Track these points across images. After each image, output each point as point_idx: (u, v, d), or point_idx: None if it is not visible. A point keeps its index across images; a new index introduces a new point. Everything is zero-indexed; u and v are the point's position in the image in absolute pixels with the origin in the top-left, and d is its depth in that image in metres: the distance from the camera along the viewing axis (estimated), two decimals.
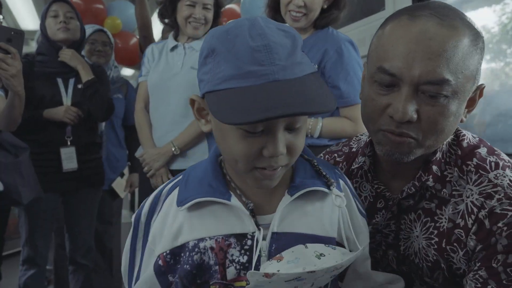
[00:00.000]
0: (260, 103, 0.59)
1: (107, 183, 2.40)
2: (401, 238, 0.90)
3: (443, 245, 0.83)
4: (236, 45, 0.63)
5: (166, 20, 1.98)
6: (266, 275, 0.62)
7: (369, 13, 2.50)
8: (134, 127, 2.13)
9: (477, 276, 0.78)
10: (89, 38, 2.40)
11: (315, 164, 0.77)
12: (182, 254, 0.72)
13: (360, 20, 2.55)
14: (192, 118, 1.86)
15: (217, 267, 0.70)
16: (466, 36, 0.74)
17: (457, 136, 0.87)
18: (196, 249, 0.70)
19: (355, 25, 2.56)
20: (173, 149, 1.84)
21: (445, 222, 0.83)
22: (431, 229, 0.85)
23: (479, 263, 0.78)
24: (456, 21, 0.75)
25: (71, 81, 2.05)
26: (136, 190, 2.53)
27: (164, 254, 0.73)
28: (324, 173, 0.76)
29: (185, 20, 1.87)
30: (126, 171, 2.72)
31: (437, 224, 0.84)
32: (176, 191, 0.75)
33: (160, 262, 0.73)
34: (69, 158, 2.00)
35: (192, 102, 0.73)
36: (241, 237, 0.70)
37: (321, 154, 1.09)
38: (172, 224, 0.73)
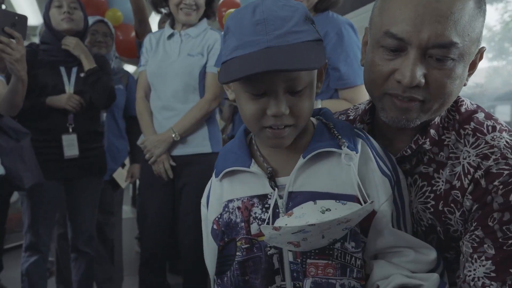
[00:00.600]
0: (250, 64, 0.69)
1: (108, 173, 2.40)
2: None
3: (440, 207, 0.83)
4: (242, 22, 0.73)
5: (162, 10, 2.02)
6: (275, 228, 0.70)
7: (369, 1, 2.52)
8: (135, 118, 2.16)
9: (473, 236, 0.78)
10: (90, 29, 2.41)
11: (331, 126, 0.82)
12: None
13: (360, 7, 2.57)
14: (192, 104, 1.90)
15: (243, 224, 0.80)
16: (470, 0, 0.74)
17: (456, 102, 0.87)
18: (226, 209, 0.82)
19: (356, 12, 2.58)
20: (173, 136, 1.87)
21: (442, 184, 0.83)
22: (427, 193, 0.85)
23: (475, 223, 0.78)
24: None
25: (74, 70, 2.06)
26: (138, 183, 2.54)
27: (216, 219, 0.86)
28: (337, 134, 0.80)
29: (177, 6, 1.90)
30: (127, 161, 2.73)
31: (434, 188, 0.84)
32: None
33: (214, 226, 0.86)
34: (70, 145, 2.01)
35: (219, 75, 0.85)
36: (262, 197, 0.79)
37: None
38: (215, 193, 0.86)
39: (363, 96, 1.50)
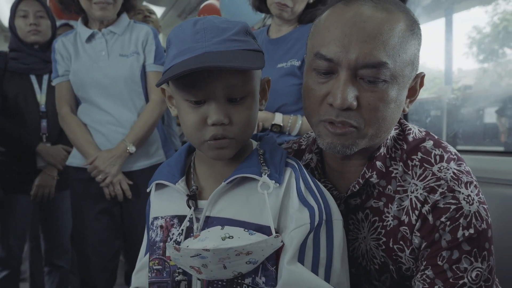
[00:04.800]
0: (186, 66, 0.68)
1: None
2: (349, 239, 0.86)
3: (391, 244, 0.81)
4: (183, 33, 0.74)
5: (71, 9, 1.72)
6: (175, 248, 0.70)
7: None
8: None
9: (424, 276, 0.75)
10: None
11: (260, 153, 0.80)
12: None
13: None
14: (138, 111, 1.70)
15: (161, 244, 0.79)
16: (401, 21, 0.74)
17: (403, 130, 0.85)
18: (152, 226, 0.82)
19: None
20: (128, 148, 1.62)
21: (391, 220, 0.81)
22: (379, 229, 0.82)
23: (425, 262, 0.76)
24: (390, 5, 0.75)
25: (45, 77, 1.99)
26: None
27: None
28: (261, 161, 0.77)
29: (89, 1, 1.62)
30: None
31: (384, 223, 0.82)
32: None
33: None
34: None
35: (163, 91, 0.83)
36: (182, 218, 0.78)
37: None
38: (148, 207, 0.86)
39: None
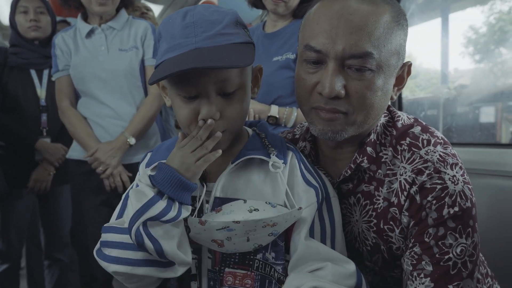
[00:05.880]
0: (176, 64, 0.69)
1: None
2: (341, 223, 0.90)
3: (381, 225, 0.84)
4: (173, 26, 0.74)
5: (71, 4, 1.74)
6: (201, 221, 0.71)
7: None
8: None
9: (412, 253, 0.79)
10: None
11: (263, 136, 0.84)
12: None
13: None
14: (138, 105, 1.73)
15: None
16: (386, 12, 0.77)
17: (392, 118, 0.89)
18: None
19: None
20: (128, 140, 1.65)
21: (382, 202, 0.84)
22: (370, 212, 0.86)
23: (413, 240, 0.79)
24: None
25: (45, 72, 2.00)
26: None
27: None
28: (267, 144, 0.82)
29: None
30: None
31: (375, 206, 0.85)
32: (148, 155, 0.88)
33: None
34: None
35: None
36: (192, 199, 0.78)
37: None
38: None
39: None
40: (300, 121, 1.51)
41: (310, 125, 0.84)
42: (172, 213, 0.71)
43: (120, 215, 0.84)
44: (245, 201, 0.75)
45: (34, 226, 2.23)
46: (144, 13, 2.50)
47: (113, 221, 0.84)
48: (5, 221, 1.95)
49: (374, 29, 0.75)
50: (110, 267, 0.73)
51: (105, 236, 0.76)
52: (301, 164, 0.83)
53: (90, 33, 1.71)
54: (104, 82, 1.68)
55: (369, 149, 0.85)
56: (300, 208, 0.76)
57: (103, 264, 0.74)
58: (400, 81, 0.85)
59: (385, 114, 0.89)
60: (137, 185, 0.78)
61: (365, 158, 0.84)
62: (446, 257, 0.76)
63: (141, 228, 0.70)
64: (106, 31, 1.71)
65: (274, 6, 1.53)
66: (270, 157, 0.79)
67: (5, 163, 1.91)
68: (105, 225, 0.78)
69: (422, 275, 0.77)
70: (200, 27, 0.72)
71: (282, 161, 0.79)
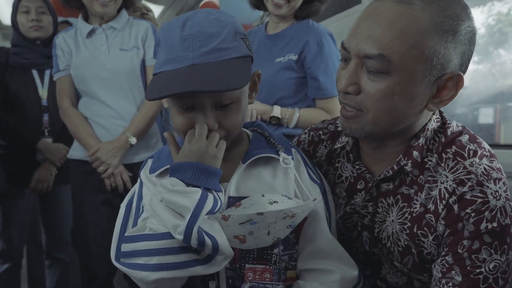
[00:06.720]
0: (173, 82, 0.70)
1: None
2: (376, 220, 0.90)
3: (415, 229, 0.84)
4: (172, 35, 0.74)
5: (72, 4, 1.75)
6: (224, 217, 0.71)
7: (346, 7, 2.52)
8: None
9: (443, 261, 0.79)
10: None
11: (267, 135, 0.87)
12: None
13: (337, 14, 2.57)
14: (138, 105, 1.74)
15: None
16: (423, 16, 0.72)
17: (444, 123, 0.87)
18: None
19: (333, 19, 2.58)
20: (129, 140, 1.66)
21: (418, 207, 0.84)
22: (406, 214, 0.85)
23: (446, 249, 0.79)
24: (418, 0, 0.74)
25: (47, 72, 2.00)
26: None
27: None
28: (273, 142, 0.85)
29: None
30: None
31: (411, 209, 0.85)
32: (149, 162, 0.87)
33: None
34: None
35: None
36: None
37: (306, 130, 1.09)
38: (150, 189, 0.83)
39: (339, 107, 1.47)
40: (302, 122, 1.53)
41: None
42: (219, 203, 0.73)
43: (124, 226, 0.84)
44: (263, 195, 0.77)
45: (35, 226, 2.23)
46: (145, 14, 2.51)
47: (117, 233, 0.84)
48: (6, 220, 1.95)
49: (396, 32, 0.72)
50: (152, 276, 0.70)
51: (135, 246, 0.73)
52: (304, 160, 0.87)
53: (91, 33, 1.72)
54: (105, 81, 1.68)
55: (415, 153, 0.83)
56: (315, 199, 0.78)
57: (141, 274, 0.70)
58: (444, 93, 0.78)
59: (437, 119, 0.87)
60: (140, 195, 0.83)
61: (410, 161, 0.83)
62: (478, 271, 0.75)
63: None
64: (107, 31, 1.72)
65: (276, 8, 1.54)
66: (279, 154, 0.82)
67: (7, 162, 1.91)
68: (126, 234, 0.77)
69: (450, 284, 0.76)
70: (198, 41, 0.72)
71: (291, 157, 0.83)
